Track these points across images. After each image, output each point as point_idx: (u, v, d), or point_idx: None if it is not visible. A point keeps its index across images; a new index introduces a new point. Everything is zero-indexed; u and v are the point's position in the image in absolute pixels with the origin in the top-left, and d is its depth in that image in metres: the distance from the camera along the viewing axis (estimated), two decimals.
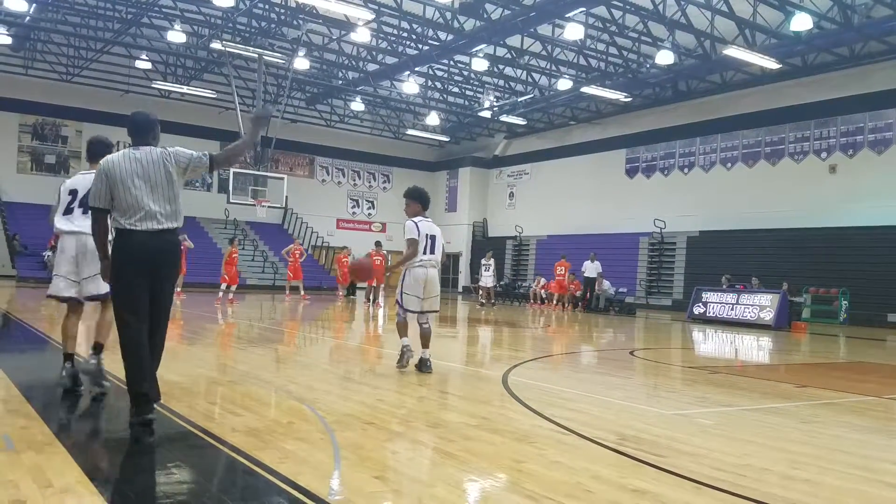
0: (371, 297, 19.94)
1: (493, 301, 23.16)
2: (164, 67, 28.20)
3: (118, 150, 4.42)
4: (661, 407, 5.66)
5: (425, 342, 6.95)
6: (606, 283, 22.75)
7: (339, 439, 3.98)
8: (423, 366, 6.84)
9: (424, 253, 6.84)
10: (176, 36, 22.72)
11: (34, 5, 21.73)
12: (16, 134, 28.68)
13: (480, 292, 23.82)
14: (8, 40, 24.28)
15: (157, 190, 4.11)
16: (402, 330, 7.00)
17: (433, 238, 6.93)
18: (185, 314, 14.63)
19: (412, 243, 6.78)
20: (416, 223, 6.90)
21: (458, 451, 3.91)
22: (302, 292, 21.49)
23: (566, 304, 23.57)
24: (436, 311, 7.05)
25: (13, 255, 24.92)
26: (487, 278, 23.17)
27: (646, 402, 5.90)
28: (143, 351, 3.97)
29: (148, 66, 27.30)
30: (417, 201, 7.11)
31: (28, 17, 22.74)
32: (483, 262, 23.76)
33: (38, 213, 25.54)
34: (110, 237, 4.19)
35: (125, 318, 3.97)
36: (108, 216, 4.13)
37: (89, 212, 4.33)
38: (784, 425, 5.13)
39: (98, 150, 5.29)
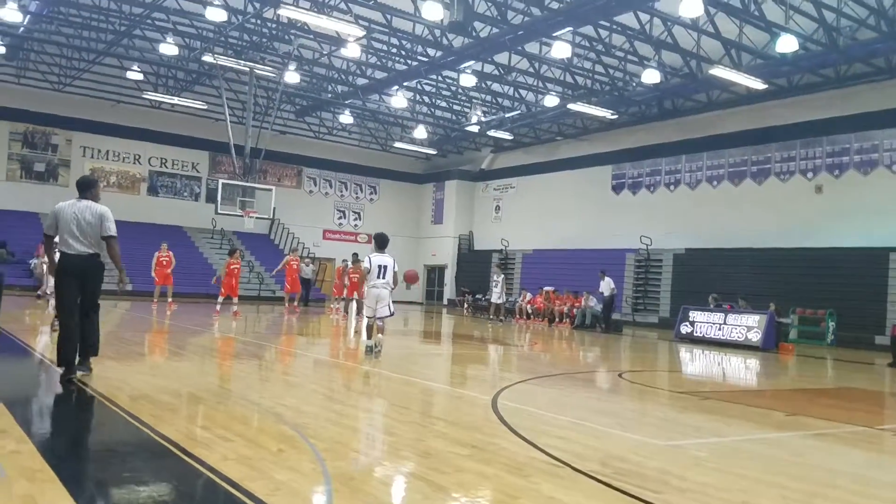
0: (354, 309, 19.93)
1: (501, 318, 23.03)
2: (155, 78, 28.12)
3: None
4: (654, 437, 5.66)
5: (380, 332, 9.96)
6: (593, 300, 22.80)
7: (331, 469, 3.95)
8: (374, 351, 9.85)
9: (378, 277, 9.80)
10: (168, 48, 22.67)
11: (29, 16, 21.63)
12: (6, 142, 28.46)
13: (490, 308, 23.70)
14: (1, 50, 24.16)
15: (86, 229, 6.35)
16: (367, 332, 10.19)
17: (384, 267, 9.86)
18: (172, 326, 14.51)
19: (365, 271, 9.96)
20: (370, 258, 9.93)
21: (451, 484, 3.89)
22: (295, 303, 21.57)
23: (553, 320, 23.62)
24: (386, 316, 9.96)
25: (0, 262, 24.67)
26: (496, 294, 23.08)
27: (638, 430, 5.90)
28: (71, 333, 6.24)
29: (140, 77, 27.21)
30: (375, 242, 10.21)
31: (22, 28, 22.63)
32: (493, 277, 23.62)
33: (26, 220, 25.32)
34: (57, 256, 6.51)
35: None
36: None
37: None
38: (777, 458, 5.14)
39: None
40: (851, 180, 22.14)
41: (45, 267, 17.98)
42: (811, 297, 20.69)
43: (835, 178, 22.61)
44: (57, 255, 6.52)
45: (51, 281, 9.63)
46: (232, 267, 18.49)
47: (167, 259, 20.02)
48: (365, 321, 10.06)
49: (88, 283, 6.41)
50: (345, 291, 21.17)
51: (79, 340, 6.32)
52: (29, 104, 28.15)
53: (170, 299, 19.97)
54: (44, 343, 9.47)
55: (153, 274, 20.33)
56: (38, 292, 18.48)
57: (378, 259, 9.85)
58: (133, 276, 24.77)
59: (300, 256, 24.30)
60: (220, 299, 18.26)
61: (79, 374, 6.30)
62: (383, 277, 9.83)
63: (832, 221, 21.87)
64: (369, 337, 10.06)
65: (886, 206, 20.77)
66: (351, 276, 19.75)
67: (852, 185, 22.04)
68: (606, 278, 21.95)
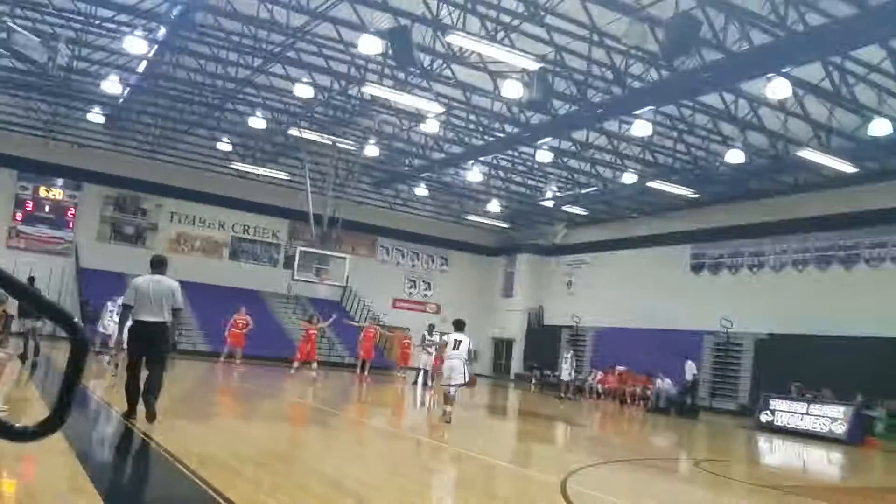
0: (420, 381, 19.79)
1: (569, 395, 22.53)
2: (242, 150, 29.53)
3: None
4: None
5: (450, 403, 10.95)
6: (668, 382, 21.97)
7: None
8: (446, 415, 10.75)
9: (452, 349, 11.27)
10: (257, 122, 23.85)
11: (128, 88, 23.24)
12: (100, 205, 30.19)
13: (560, 386, 23.20)
14: (101, 119, 25.88)
15: (160, 301, 7.45)
16: (444, 399, 11.21)
17: (458, 342, 11.33)
18: (245, 389, 14.74)
19: (443, 345, 12.23)
20: (449, 334, 11.78)
21: None
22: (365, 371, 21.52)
23: (625, 402, 22.84)
24: (459, 385, 11.19)
25: (85, 322, 25.81)
26: (565, 371, 22.69)
27: None
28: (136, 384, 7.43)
29: (228, 148, 28.65)
30: (454, 325, 11.85)
31: (121, 99, 24.29)
32: (563, 354, 23.28)
33: (111, 280, 26.58)
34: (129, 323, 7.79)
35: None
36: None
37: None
38: None
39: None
40: None
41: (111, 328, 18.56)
42: None
43: None
44: (129, 323, 7.77)
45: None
46: (310, 332, 18.81)
47: (245, 321, 20.46)
48: (447, 390, 11.17)
49: (156, 345, 7.50)
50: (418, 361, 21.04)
51: (145, 392, 7.36)
52: (123, 170, 29.80)
53: (237, 361, 20.30)
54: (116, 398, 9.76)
55: (226, 334, 20.70)
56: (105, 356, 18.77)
57: (454, 335, 11.52)
58: (211, 337, 25.51)
59: (377, 325, 24.44)
60: (296, 364, 18.44)
61: (149, 418, 7.28)
62: (455, 349, 11.30)
63: None
64: (445, 402, 11.07)
65: None
66: (427, 347, 19.79)
67: None
68: (689, 362, 21.29)
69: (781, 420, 17.47)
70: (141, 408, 7.42)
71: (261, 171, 28.81)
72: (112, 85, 21.37)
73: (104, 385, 11.47)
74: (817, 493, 8.14)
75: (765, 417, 17.94)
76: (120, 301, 10.56)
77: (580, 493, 6.18)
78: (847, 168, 19.70)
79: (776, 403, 17.99)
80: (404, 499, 5.23)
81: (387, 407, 15.15)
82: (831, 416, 16.39)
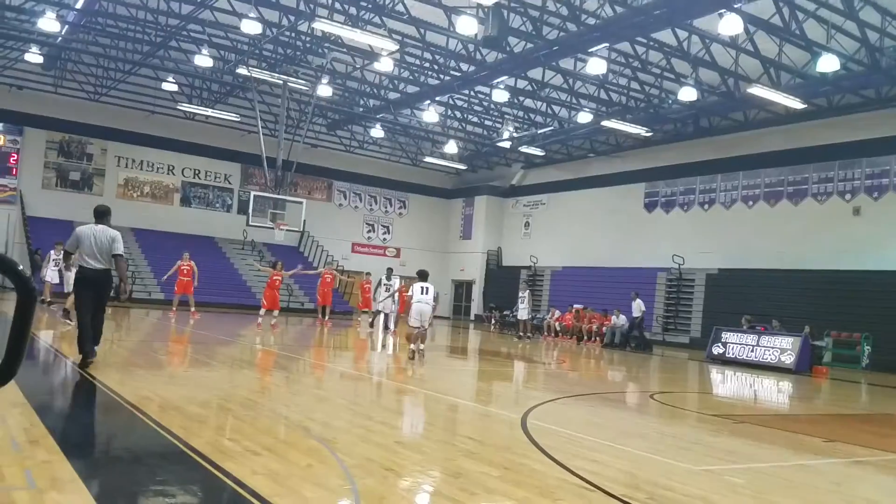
0: (382, 324, 19.82)
1: (528, 335, 22.87)
2: (189, 90, 28.57)
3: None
4: (688, 461, 5.50)
5: (422, 341, 12.16)
6: (623, 318, 22.51)
7: (360, 487, 3.87)
8: (418, 354, 11.84)
9: (421, 294, 12.19)
10: (203, 60, 23.01)
11: (66, 26, 22.10)
12: (43, 150, 29.04)
13: (518, 325, 23.46)
14: (39, 59, 24.69)
15: (102, 249, 7.82)
16: (410, 339, 12.18)
17: (426, 288, 12.27)
18: (199, 336, 14.61)
19: (402, 290, 14.61)
20: (414, 284, 12.57)
21: None
22: (327, 317, 21.41)
23: (582, 339, 23.38)
24: (427, 326, 12.13)
25: (34, 271, 25.06)
26: (522, 311, 22.92)
27: (672, 454, 5.74)
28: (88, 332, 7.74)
29: (174, 88, 27.67)
30: (419, 275, 12.61)
31: (60, 38, 23.14)
32: (520, 294, 23.45)
33: (60, 228, 25.78)
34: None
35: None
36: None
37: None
38: (817, 487, 4.96)
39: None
40: (891, 202, 21.66)
41: (51, 275, 18.24)
42: (846, 321, 20.20)
43: (874, 200, 22.14)
44: (74, 269, 8.31)
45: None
46: (274, 278, 18.56)
47: (188, 268, 20.04)
48: (413, 330, 12.06)
49: (101, 291, 7.98)
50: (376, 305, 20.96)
51: (90, 334, 7.83)
52: (65, 114, 28.71)
53: (192, 308, 20.02)
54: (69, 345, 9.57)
55: (175, 284, 20.30)
56: (42, 298, 18.58)
57: (420, 284, 12.40)
58: (165, 286, 25.11)
59: (335, 270, 24.25)
60: (262, 312, 18.17)
61: (88, 361, 7.72)
62: (425, 294, 12.23)
63: (870, 244, 21.39)
64: (419, 341, 12.06)
65: None
66: (404, 292, 19.72)
67: (891, 207, 21.55)
68: (638, 300, 21.74)
69: (732, 352, 18.10)
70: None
71: (209, 112, 27.98)
72: (49, 22, 20.32)
73: (57, 335, 11.22)
74: (767, 421, 8.50)
75: (716, 350, 18.57)
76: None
77: (539, 427, 6.33)
78: (796, 104, 20.04)
79: (727, 336, 18.60)
80: (369, 438, 5.28)
81: (348, 350, 15.21)
82: (781, 348, 17.03)
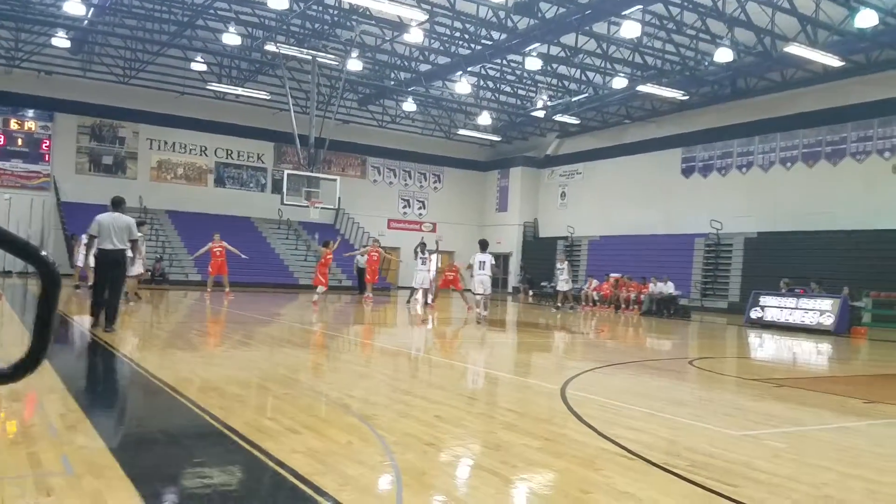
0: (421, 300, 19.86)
1: (570, 305, 22.86)
2: (218, 69, 28.69)
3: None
4: (728, 427, 5.42)
5: (486, 307, 14.96)
6: (661, 286, 22.26)
7: (400, 463, 3.89)
8: (483, 317, 14.73)
9: (479, 269, 14.42)
10: (231, 38, 23.05)
11: (92, 9, 22.27)
12: (74, 135, 29.46)
13: (557, 296, 23.44)
14: (67, 43, 24.93)
15: (118, 233, 9.33)
16: (482, 306, 14.87)
17: (483, 262, 14.53)
18: (237, 315, 14.83)
19: (470, 266, 14.99)
20: (475, 256, 14.75)
21: (523, 479, 3.79)
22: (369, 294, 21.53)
23: (619, 307, 23.22)
24: (489, 294, 14.97)
25: (72, 255, 25.63)
26: (562, 282, 22.88)
27: (712, 420, 5.66)
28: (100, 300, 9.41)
29: (203, 67, 27.81)
30: (480, 245, 15.04)
31: (86, 21, 23.33)
32: (558, 265, 23.39)
33: (96, 212, 26.27)
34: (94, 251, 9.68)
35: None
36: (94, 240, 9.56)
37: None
38: (859, 449, 4.86)
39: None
40: None
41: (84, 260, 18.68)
42: (886, 281, 19.68)
43: None
44: (94, 251, 9.71)
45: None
46: (328, 258, 18.84)
47: (220, 249, 20.34)
48: (478, 298, 14.70)
49: (116, 269, 9.43)
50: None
51: (105, 307, 9.32)
52: (95, 98, 28.99)
53: (227, 289, 20.34)
54: (113, 336, 9.77)
55: (209, 265, 20.61)
56: (77, 283, 19.07)
57: (480, 256, 14.55)
58: (202, 267, 25.50)
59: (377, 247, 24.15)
60: (320, 289, 18.41)
61: (107, 331, 9.18)
62: (484, 269, 14.31)
63: None
64: (484, 309, 14.84)
65: None
66: (447, 273, 19.81)
67: None
68: (669, 282, 21.92)
69: (771, 315, 17.85)
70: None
71: (240, 91, 28.10)
72: (74, 5, 20.48)
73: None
74: (807, 383, 8.34)
75: (755, 314, 18.31)
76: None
77: (578, 397, 6.30)
78: (834, 62, 19.40)
79: (766, 300, 18.32)
80: (409, 413, 5.30)
81: (389, 326, 15.31)
82: (819, 310, 16.74)
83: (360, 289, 24.07)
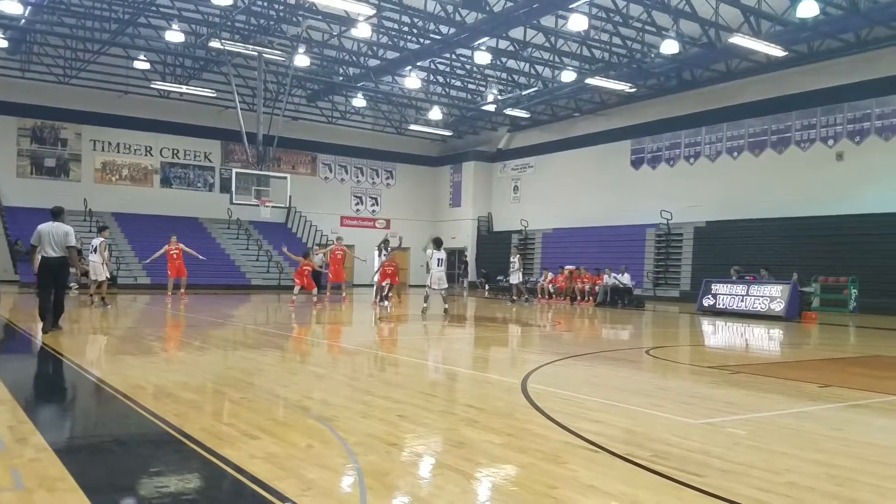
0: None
1: (525, 298, 23.03)
2: (162, 67, 28.00)
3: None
4: (688, 416, 5.48)
5: (447, 302, 16.50)
6: (614, 277, 22.56)
7: (363, 464, 3.81)
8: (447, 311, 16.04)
9: (438, 266, 15.74)
10: (174, 35, 22.51)
11: (29, 7, 21.49)
12: (15, 137, 28.45)
13: (512, 290, 23.57)
14: (4, 43, 24.05)
15: (58, 241, 9.93)
16: (444, 302, 16.41)
17: (441, 259, 15.83)
18: (190, 319, 14.48)
19: (431, 264, 16.13)
20: (433, 253, 15.82)
21: (487, 476, 3.74)
22: (344, 294, 21.29)
23: (575, 299, 23.46)
24: (446, 288, 16.27)
25: (15, 261, 24.73)
26: (514, 275, 23.01)
27: (672, 410, 5.72)
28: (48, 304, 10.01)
29: (146, 66, 27.10)
30: (434, 243, 15.97)
31: (23, 20, 22.52)
32: (511, 259, 23.52)
33: (39, 217, 25.37)
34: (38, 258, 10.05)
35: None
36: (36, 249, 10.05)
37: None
38: (817, 433, 4.95)
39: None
40: (872, 146, 21.72)
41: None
42: (833, 265, 20.45)
43: (855, 144, 22.17)
44: (39, 258, 10.08)
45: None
46: (336, 254, 19.44)
47: (178, 251, 19.93)
48: (439, 294, 16.15)
49: (58, 274, 10.11)
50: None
51: (51, 310, 10.03)
52: (35, 98, 28.07)
53: (182, 290, 19.94)
54: (64, 343, 9.44)
55: (167, 268, 20.23)
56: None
57: (437, 254, 15.71)
58: (151, 270, 24.86)
59: (318, 245, 23.95)
60: (330, 285, 19.11)
61: (54, 330, 9.94)
62: (441, 266, 15.70)
63: (853, 188, 21.51)
64: (444, 303, 16.39)
65: None
66: (386, 267, 19.47)
67: (873, 150, 21.63)
68: (626, 274, 22.40)
69: (723, 303, 18.22)
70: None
71: (184, 89, 27.47)
72: (10, 4, 19.71)
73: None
74: (762, 369, 8.52)
75: (707, 302, 18.68)
76: (94, 242, 15.78)
77: (539, 390, 6.30)
78: (777, 52, 19.91)
79: (717, 287, 18.70)
80: (370, 414, 5.22)
81: (347, 325, 15.14)
82: (770, 296, 17.15)
83: (318, 288, 23.69)
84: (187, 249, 20.11)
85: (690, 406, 6.00)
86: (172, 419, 4.77)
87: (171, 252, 19.74)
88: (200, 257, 20.57)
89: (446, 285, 16.16)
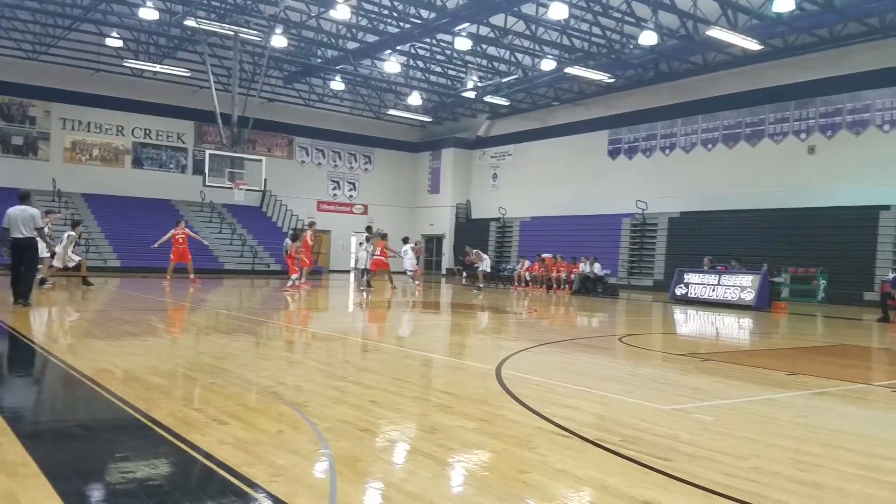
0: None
1: (479, 285, 23.07)
2: (135, 45, 27.46)
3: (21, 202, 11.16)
4: (658, 402, 5.54)
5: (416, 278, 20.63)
6: (589, 265, 22.71)
7: (334, 450, 3.78)
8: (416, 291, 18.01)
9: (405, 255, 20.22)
10: (148, 13, 22.08)
11: None
12: None
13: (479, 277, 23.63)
14: None
15: (25, 223, 11.07)
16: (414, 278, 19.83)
17: (406, 250, 19.14)
18: (161, 303, 14.30)
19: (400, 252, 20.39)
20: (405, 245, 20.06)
21: (459, 461, 3.75)
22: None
23: (551, 287, 23.58)
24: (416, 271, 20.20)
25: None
26: (484, 262, 23.30)
27: (642, 396, 5.78)
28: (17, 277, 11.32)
29: (119, 43, 26.56)
30: (403, 241, 19.77)
31: None
32: (403, 247, 23.65)
33: (7, 197, 24.85)
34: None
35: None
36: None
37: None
38: (783, 420, 5.03)
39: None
40: (843, 140, 22.05)
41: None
42: (803, 256, 20.83)
43: (827, 138, 22.50)
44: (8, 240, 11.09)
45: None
46: (295, 253, 19.25)
47: (183, 236, 19.91)
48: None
49: (26, 254, 11.23)
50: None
51: (20, 284, 11.19)
52: (2, 74, 27.39)
53: (192, 275, 19.82)
54: (29, 325, 9.27)
55: (170, 252, 20.12)
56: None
57: (405, 247, 18.66)
58: (122, 253, 24.51)
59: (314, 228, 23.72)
60: (306, 270, 19.11)
61: (22, 304, 11.00)
62: (408, 255, 19.13)
63: (824, 181, 21.86)
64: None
65: (877, 165, 20.80)
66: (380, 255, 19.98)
67: (844, 144, 21.97)
68: (597, 264, 22.38)
69: (695, 292, 18.46)
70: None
71: (158, 68, 26.97)
72: None
73: (8, 312, 10.85)
74: (731, 357, 8.64)
75: (679, 291, 18.90)
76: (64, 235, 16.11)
77: (513, 377, 6.33)
78: (753, 46, 20.10)
79: (689, 277, 18.94)
80: (343, 399, 5.19)
81: (322, 311, 15.07)
82: (740, 286, 17.41)
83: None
84: (194, 235, 20.29)
85: (660, 392, 6.06)
86: (140, 404, 4.70)
87: (178, 236, 19.69)
88: (205, 242, 20.74)
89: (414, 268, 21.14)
